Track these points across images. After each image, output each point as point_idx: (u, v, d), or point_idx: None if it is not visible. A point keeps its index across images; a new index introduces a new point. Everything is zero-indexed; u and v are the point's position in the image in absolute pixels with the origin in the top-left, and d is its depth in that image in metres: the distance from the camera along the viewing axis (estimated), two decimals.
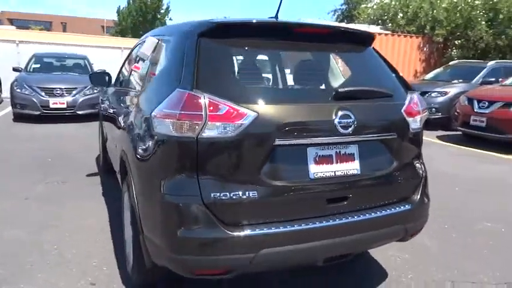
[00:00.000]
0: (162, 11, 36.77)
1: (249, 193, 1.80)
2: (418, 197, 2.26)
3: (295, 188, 1.90)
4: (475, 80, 9.49)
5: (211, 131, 1.76)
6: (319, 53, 2.25)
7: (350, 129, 1.94)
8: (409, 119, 2.18)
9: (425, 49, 15.36)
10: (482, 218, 3.80)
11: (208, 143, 1.77)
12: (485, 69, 9.78)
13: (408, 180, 2.23)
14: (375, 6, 18.02)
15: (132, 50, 3.79)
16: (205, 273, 1.87)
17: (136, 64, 2.72)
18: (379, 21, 17.25)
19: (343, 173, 1.99)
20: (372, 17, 18.15)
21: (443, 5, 14.89)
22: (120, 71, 3.91)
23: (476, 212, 3.96)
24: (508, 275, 2.76)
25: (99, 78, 4.12)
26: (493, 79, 9.29)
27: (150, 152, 1.97)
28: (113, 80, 4.16)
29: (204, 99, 1.77)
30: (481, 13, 14.27)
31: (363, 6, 19.52)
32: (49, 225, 3.35)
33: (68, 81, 9.23)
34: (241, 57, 1.99)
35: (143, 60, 2.69)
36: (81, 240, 3.10)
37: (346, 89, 1.99)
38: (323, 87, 2.12)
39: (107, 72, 4.20)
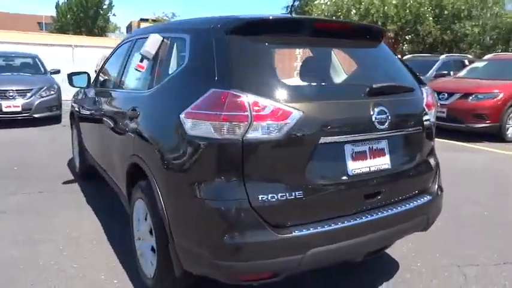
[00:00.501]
0: (105, 7, 35.22)
1: (294, 193, 1.77)
2: (436, 187, 2.35)
3: (336, 185, 1.89)
4: (429, 73, 10.04)
5: (257, 132, 1.70)
6: (344, 49, 2.25)
7: (385, 124, 1.97)
8: (429, 112, 2.25)
9: None
10: (465, 203, 4.04)
11: (253, 144, 1.70)
12: (437, 63, 10.40)
13: (428, 172, 2.30)
14: (328, 3, 18.48)
15: (117, 48, 3.59)
16: (251, 279, 1.81)
17: (139, 63, 2.55)
18: (333, 17, 17.73)
19: (376, 168, 2.01)
20: (326, 13, 18.63)
21: (393, 2, 15.61)
22: (104, 71, 3.68)
23: (459, 199, 4.20)
24: (504, 256, 2.96)
25: (78, 79, 3.86)
26: (446, 72, 9.92)
27: (184, 155, 1.86)
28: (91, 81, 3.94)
29: (248, 99, 1.70)
30: (429, 9, 15.14)
31: (316, 2, 19.93)
32: (38, 239, 3.09)
33: (21, 82, 8.56)
34: (273, 55, 1.94)
35: (147, 59, 2.53)
36: (78, 253, 2.89)
37: (379, 85, 2.00)
38: (354, 83, 2.13)
39: (87, 72, 3.94)
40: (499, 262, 2.88)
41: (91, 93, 3.77)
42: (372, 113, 1.93)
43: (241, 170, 1.71)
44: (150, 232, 2.25)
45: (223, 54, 1.86)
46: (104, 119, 3.11)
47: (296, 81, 1.95)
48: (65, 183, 4.49)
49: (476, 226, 3.50)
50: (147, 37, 2.95)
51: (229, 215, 1.72)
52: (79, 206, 3.80)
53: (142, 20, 43.36)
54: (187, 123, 1.84)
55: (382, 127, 1.96)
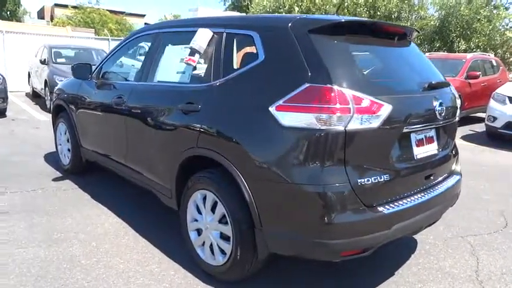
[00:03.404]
0: None
1: (382, 176, 2.01)
2: (460, 169, 2.75)
3: (408, 168, 2.18)
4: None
5: (357, 122, 1.89)
6: (396, 48, 2.52)
7: (442, 115, 2.29)
8: (458, 104, 2.63)
9: None
10: None
11: (354, 133, 1.89)
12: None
13: (456, 155, 2.70)
14: None
15: (130, 41, 3.49)
16: (348, 254, 2.01)
17: (190, 57, 2.56)
18: (276, 13, 18.20)
19: (429, 153, 2.34)
20: (268, 10, 19.05)
21: (333, 1, 16.51)
22: (117, 64, 3.55)
23: None
24: (495, 226, 3.51)
25: (82, 71, 3.67)
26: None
27: (279, 145, 1.99)
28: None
29: (349, 93, 1.89)
30: (364, 10, 16.28)
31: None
32: (60, 238, 2.95)
33: None
34: (353, 52, 2.13)
35: (198, 53, 2.56)
36: (116, 248, 2.83)
37: (435, 80, 2.32)
38: (415, 78, 2.40)
39: (90, 64, 3.76)
40: (489, 231, 3.42)
41: (98, 86, 3.60)
42: (434, 105, 2.25)
43: (343, 157, 1.90)
44: (220, 221, 2.34)
45: (312, 51, 2.01)
46: (131, 113, 3.03)
47: (374, 76, 2.17)
48: (55, 180, 4.24)
49: (464, 202, 4.05)
50: (180, 31, 2.98)
51: (334, 197, 1.90)
52: (86, 203, 3.65)
53: (56, 5, 40.13)
54: (280, 115, 1.97)
55: (440, 118, 2.29)
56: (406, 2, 16.13)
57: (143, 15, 48.23)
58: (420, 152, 2.25)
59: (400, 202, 2.10)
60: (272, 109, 2.00)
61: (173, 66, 2.86)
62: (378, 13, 16.45)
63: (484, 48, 14.40)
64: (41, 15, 45.64)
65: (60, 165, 4.58)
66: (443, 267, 2.79)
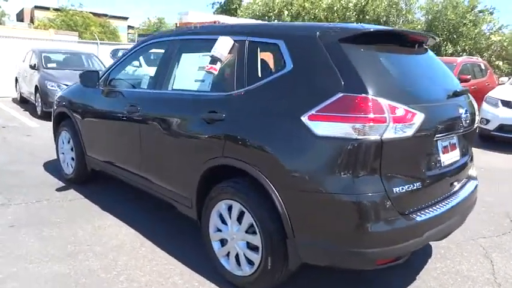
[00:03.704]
0: None
1: (415, 184, 2.03)
2: (476, 174, 2.79)
3: (436, 176, 2.20)
4: None
5: (392, 131, 1.90)
6: (421, 56, 2.54)
7: (466, 122, 2.33)
8: (476, 111, 2.68)
9: None
10: None
11: (389, 142, 1.90)
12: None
13: (472, 161, 2.74)
14: (260, 3, 18.99)
15: (141, 48, 3.44)
16: (384, 263, 2.01)
17: (212, 65, 2.54)
18: (266, 17, 18.30)
19: (453, 160, 2.37)
20: (257, 13, 19.14)
21: (323, 5, 16.70)
22: (127, 72, 3.50)
23: None
24: (502, 228, 3.58)
25: (90, 78, 3.60)
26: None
27: (312, 155, 1.98)
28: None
29: (384, 102, 1.90)
30: (353, 14, 16.52)
31: (247, 2, 20.33)
32: (75, 251, 2.87)
33: None
34: (382, 61, 2.14)
35: (220, 62, 2.54)
36: (134, 261, 2.77)
37: (455, 87, 2.36)
38: (439, 86, 2.43)
39: (98, 71, 3.69)
40: (498, 234, 3.49)
41: (106, 94, 3.53)
42: (460, 112, 2.28)
43: (379, 166, 1.90)
44: (247, 231, 2.32)
45: (343, 61, 2.02)
46: (146, 122, 2.98)
47: (404, 85, 2.19)
48: (59, 190, 4.14)
49: None
50: (198, 38, 2.95)
51: (371, 206, 1.90)
52: (95, 214, 3.57)
53: (37, 7, 39.41)
54: (313, 125, 1.97)
55: (465, 125, 2.32)
56: (394, 6, 16.43)
57: (126, 18, 47.82)
58: (446, 159, 2.28)
59: (431, 209, 2.12)
60: (304, 118, 2.00)
61: (191, 74, 2.82)
62: (367, 17, 16.71)
63: (470, 51, 14.76)
64: (20, 17, 44.75)
65: (62, 175, 4.46)
66: (461, 270, 2.83)
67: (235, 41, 2.56)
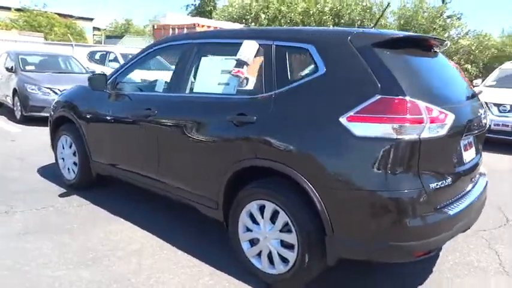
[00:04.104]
0: None
1: (446, 180, 2.17)
2: (484, 170, 2.98)
3: (462, 171, 2.36)
4: None
5: (429, 131, 2.03)
6: (436, 59, 2.67)
7: (484, 122, 2.50)
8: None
9: None
10: None
11: (427, 141, 2.02)
12: None
13: (481, 159, 2.93)
14: (236, 6, 19.05)
15: (154, 51, 3.43)
16: (420, 255, 2.13)
17: (239, 69, 2.59)
18: (243, 20, 18.39)
19: (471, 157, 2.53)
20: (234, 16, 19.19)
21: (299, 9, 16.98)
22: (139, 75, 3.47)
23: None
24: (499, 221, 3.82)
25: (99, 82, 3.54)
26: None
27: (352, 155, 2.08)
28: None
29: (422, 104, 2.02)
30: (329, 18, 16.89)
31: (223, 5, 20.37)
32: (95, 257, 2.83)
33: None
34: (412, 65, 2.26)
35: (246, 65, 2.60)
36: (160, 264, 2.76)
37: (467, 90, 2.53)
38: (457, 88, 2.59)
39: (105, 75, 3.63)
40: (495, 227, 3.73)
41: (115, 97, 3.48)
42: (480, 113, 2.45)
43: (417, 163, 2.02)
44: (281, 230, 2.38)
45: (379, 64, 2.12)
46: (164, 126, 2.98)
47: (433, 87, 2.32)
48: (62, 196, 4.04)
49: None
50: (221, 42, 3.00)
51: (411, 202, 2.02)
52: (104, 219, 3.51)
53: None
54: (352, 126, 2.07)
55: (483, 124, 2.50)
56: (368, 11, 16.95)
57: (91, 19, 46.59)
58: (467, 157, 2.44)
59: (458, 203, 2.27)
60: (343, 120, 2.09)
61: (213, 77, 2.83)
62: (342, 21, 17.14)
63: None
64: None
65: (62, 180, 4.35)
66: (471, 261, 3.01)
67: (260, 45, 2.63)
